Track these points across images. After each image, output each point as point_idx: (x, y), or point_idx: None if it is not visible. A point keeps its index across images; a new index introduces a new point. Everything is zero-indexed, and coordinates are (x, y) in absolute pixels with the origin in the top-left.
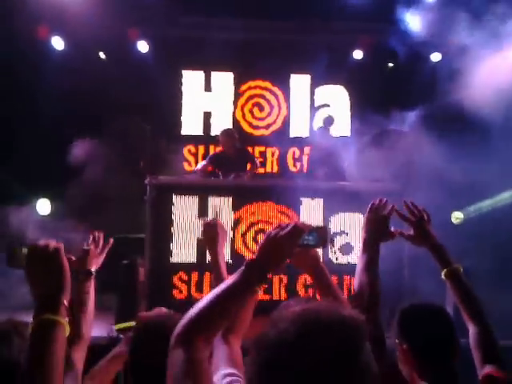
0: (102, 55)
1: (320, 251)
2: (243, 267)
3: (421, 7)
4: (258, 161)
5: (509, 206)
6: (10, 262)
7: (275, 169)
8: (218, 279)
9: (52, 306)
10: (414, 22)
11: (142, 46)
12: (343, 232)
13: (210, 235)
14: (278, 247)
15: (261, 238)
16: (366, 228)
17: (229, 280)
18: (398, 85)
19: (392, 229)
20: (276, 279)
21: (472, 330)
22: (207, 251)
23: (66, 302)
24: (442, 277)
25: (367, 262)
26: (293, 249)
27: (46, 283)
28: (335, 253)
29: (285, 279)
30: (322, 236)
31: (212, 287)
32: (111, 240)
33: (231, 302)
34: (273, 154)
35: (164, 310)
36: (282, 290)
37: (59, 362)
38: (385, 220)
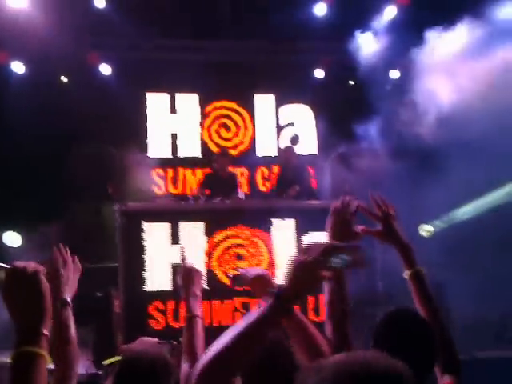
0: (63, 79)
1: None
2: (272, 299)
3: (377, 28)
4: (241, 191)
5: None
6: None
7: (245, 189)
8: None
9: (32, 336)
10: (370, 41)
11: (105, 69)
12: None
13: (187, 280)
14: (308, 273)
15: (240, 263)
16: (330, 232)
17: (253, 314)
18: (359, 102)
19: (358, 228)
20: (254, 302)
21: None
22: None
23: (46, 332)
24: (405, 276)
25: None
26: (324, 273)
27: (25, 310)
28: None
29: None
30: (354, 257)
31: (185, 321)
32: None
33: (258, 337)
34: (242, 174)
35: (149, 340)
36: None
37: None
38: (349, 221)
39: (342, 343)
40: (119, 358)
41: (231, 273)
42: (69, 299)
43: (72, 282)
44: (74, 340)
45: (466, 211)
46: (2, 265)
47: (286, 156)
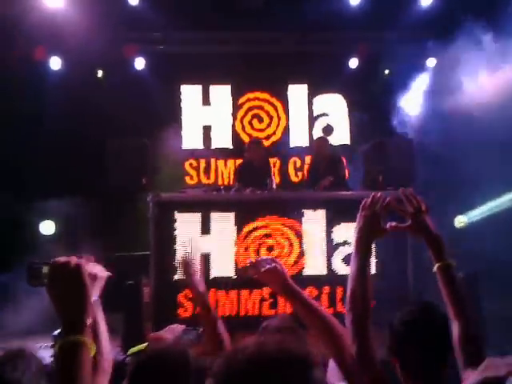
0: (99, 73)
1: (324, 261)
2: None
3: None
4: (274, 179)
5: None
6: (31, 281)
7: (277, 179)
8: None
9: (76, 326)
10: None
11: (139, 63)
12: (346, 242)
13: (188, 272)
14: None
15: (269, 253)
16: (359, 227)
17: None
18: (395, 91)
19: (387, 225)
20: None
21: (456, 328)
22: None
23: (88, 322)
24: (434, 269)
25: (360, 264)
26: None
27: (69, 302)
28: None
29: None
30: None
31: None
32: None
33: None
34: (274, 165)
35: (177, 327)
36: (288, 305)
37: (87, 381)
38: (376, 216)
39: (361, 338)
40: (143, 346)
41: (242, 264)
42: (95, 298)
43: (99, 283)
44: (103, 336)
45: (499, 203)
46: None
47: (319, 146)
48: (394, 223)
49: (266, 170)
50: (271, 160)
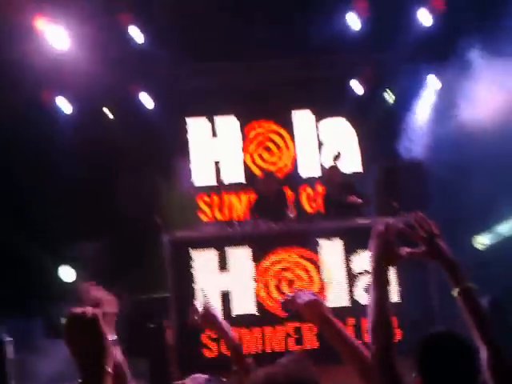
0: (107, 112)
1: (345, 292)
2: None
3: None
4: (292, 208)
5: None
6: (51, 334)
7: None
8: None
9: (97, 376)
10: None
11: (146, 100)
12: (366, 271)
13: (209, 322)
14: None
15: (289, 287)
16: (372, 256)
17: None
18: (399, 115)
19: (403, 251)
20: (306, 328)
21: (484, 354)
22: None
23: (110, 369)
24: (454, 294)
25: (378, 294)
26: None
27: (87, 352)
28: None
29: (315, 328)
30: None
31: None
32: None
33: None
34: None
35: (200, 377)
36: (314, 338)
37: None
38: (390, 243)
39: (387, 371)
40: None
41: (282, 298)
42: (113, 338)
43: (111, 318)
44: (126, 378)
45: None
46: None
47: (330, 175)
48: (408, 249)
49: (282, 202)
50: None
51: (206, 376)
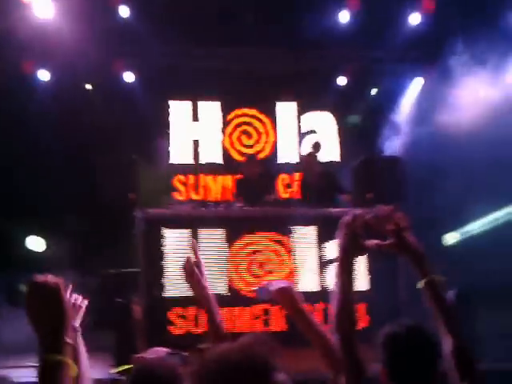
0: (88, 86)
1: (316, 278)
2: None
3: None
4: (275, 192)
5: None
6: (11, 301)
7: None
8: (210, 313)
9: (55, 345)
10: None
11: (128, 77)
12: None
13: (189, 272)
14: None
15: (260, 270)
16: (339, 245)
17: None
18: (382, 110)
19: (369, 242)
20: (275, 310)
21: (447, 346)
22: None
23: (69, 341)
24: (419, 286)
25: (342, 283)
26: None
27: (47, 321)
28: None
29: (283, 310)
30: None
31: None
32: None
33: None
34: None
35: (161, 350)
36: (282, 321)
37: None
38: (356, 235)
39: (349, 357)
40: (129, 366)
41: (255, 286)
42: (77, 326)
43: (80, 310)
44: (84, 364)
45: (484, 222)
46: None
47: (308, 162)
48: (374, 241)
49: (264, 185)
50: None
51: (166, 349)
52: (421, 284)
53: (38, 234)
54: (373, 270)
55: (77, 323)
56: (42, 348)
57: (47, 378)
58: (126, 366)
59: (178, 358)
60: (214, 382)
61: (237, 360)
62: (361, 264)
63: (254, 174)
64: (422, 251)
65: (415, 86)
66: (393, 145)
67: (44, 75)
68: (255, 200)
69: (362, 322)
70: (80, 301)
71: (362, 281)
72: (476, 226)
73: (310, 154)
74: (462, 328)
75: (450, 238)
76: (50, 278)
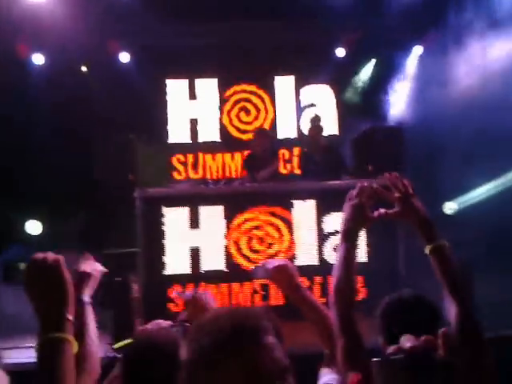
0: (83, 68)
1: (315, 252)
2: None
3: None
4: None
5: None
6: (8, 278)
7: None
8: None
9: (56, 322)
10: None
11: (124, 57)
12: (337, 232)
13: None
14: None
15: (260, 245)
16: (346, 217)
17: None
18: (382, 81)
19: (375, 213)
20: (273, 285)
21: (454, 311)
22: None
23: (70, 317)
24: (426, 252)
25: (346, 255)
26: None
27: (47, 298)
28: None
29: None
30: None
31: None
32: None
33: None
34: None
35: (162, 322)
36: (280, 295)
37: (70, 380)
38: (363, 205)
39: (348, 331)
40: (130, 341)
41: (255, 261)
42: (87, 299)
43: (92, 279)
44: (92, 339)
45: (485, 190)
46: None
47: (313, 135)
48: (382, 210)
49: (269, 160)
50: None
51: (168, 322)
52: (428, 249)
53: (36, 217)
54: (371, 243)
55: (86, 297)
56: (42, 326)
57: (46, 356)
58: (126, 342)
59: (181, 330)
60: (203, 342)
61: (225, 320)
62: (360, 236)
63: (261, 149)
64: (428, 217)
65: (415, 55)
66: (393, 116)
67: (38, 59)
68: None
69: (360, 294)
70: (96, 270)
71: (360, 253)
72: (475, 195)
73: (315, 127)
74: (470, 295)
75: (449, 206)
76: (50, 255)
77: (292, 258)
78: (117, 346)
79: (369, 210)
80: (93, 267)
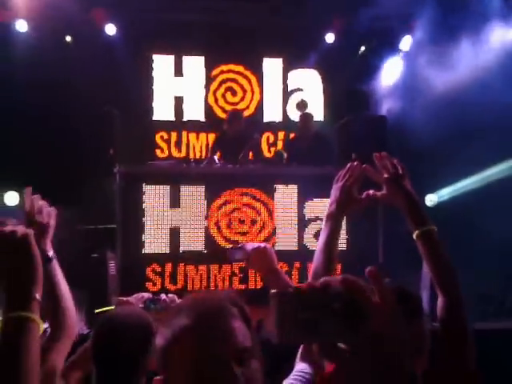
0: (68, 38)
1: (295, 237)
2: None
3: None
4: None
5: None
6: None
7: (250, 154)
8: None
9: (23, 301)
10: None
11: (110, 29)
12: (318, 218)
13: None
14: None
15: (240, 227)
16: (334, 198)
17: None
18: (371, 68)
19: (363, 194)
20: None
21: (440, 301)
22: None
23: (38, 296)
24: (414, 237)
25: (329, 238)
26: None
27: (15, 274)
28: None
29: None
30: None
31: None
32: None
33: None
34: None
35: (146, 294)
36: (259, 279)
37: (34, 362)
38: (352, 187)
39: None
40: (111, 307)
41: (235, 244)
42: (51, 254)
43: (51, 229)
44: (65, 297)
45: (468, 183)
46: None
47: (304, 122)
48: (370, 191)
49: (244, 143)
50: None
51: (150, 294)
52: (416, 234)
53: (13, 189)
54: (351, 230)
55: (50, 252)
56: (7, 304)
57: (9, 336)
58: (107, 308)
59: (161, 304)
60: (174, 328)
61: (191, 306)
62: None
63: (236, 132)
64: (418, 199)
65: (405, 42)
66: (380, 104)
67: (22, 25)
68: (230, 158)
69: None
70: (53, 217)
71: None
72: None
73: (306, 115)
74: (458, 284)
75: (430, 199)
76: (20, 229)
77: (272, 243)
78: (99, 310)
79: (356, 191)
80: (47, 212)
